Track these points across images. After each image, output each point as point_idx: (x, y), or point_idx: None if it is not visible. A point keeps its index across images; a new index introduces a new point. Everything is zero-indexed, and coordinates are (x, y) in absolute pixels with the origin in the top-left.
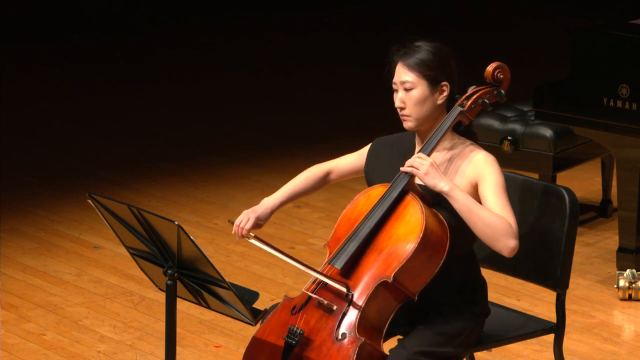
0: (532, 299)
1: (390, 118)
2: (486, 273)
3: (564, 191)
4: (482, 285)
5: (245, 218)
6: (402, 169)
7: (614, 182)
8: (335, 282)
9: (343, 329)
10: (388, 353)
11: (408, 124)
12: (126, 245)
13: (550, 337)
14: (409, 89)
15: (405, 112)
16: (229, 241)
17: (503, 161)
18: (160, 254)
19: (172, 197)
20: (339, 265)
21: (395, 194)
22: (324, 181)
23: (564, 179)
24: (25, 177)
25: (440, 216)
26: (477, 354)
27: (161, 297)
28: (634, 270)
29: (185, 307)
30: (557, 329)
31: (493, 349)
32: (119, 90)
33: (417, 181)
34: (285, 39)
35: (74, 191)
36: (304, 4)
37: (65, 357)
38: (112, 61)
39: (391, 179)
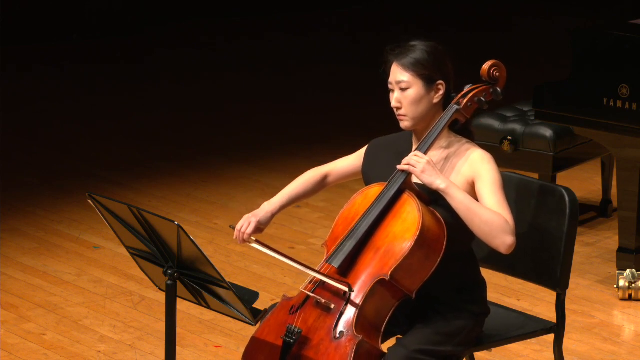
0: (532, 299)
1: (390, 118)
2: (486, 273)
3: (564, 191)
4: (482, 284)
5: (247, 222)
6: (398, 167)
7: (614, 182)
8: (338, 283)
9: (341, 327)
10: (387, 352)
11: (405, 124)
12: (126, 245)
13: (550, 337)
14: (404, 89)
15: (401, 112)
16: (229, 241)
17: (503, 161)
18: (160, 254)
19: (172, 197)
20: (336, 264)
21: (392, 192)
22: (322, 184)
23: (564, 179)
24: (25, 177)
25: (437, 214)
26: (477, 354)
27: (161, 297)
28: (634, 270)
29: (185, 307)
30: (557, 329)
31: (493, 349)
32: (119, 90)
33: (414, 180)
34: (285, 39)
35: (74, 191)
36: (304, 4)
37: (65, 357)
38: (112, 61)
39: (389, 178)
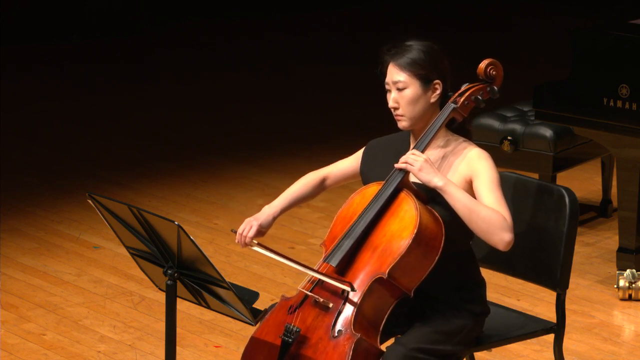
0: (532, 299)
1: (390, 118)
2: (486, 273)
3: (564, 191)
4: (481, 284)
5: (248, 226)
6: (396, 165)
7: (614, 182)
8: (340, 283)
9: (339, 326)
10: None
11: (402, 124)
12: (126, 245)
13: (550, 337)
14: (401, 89)
15: (399, 112)
16: (229, 241)
17: (503, 161)
18: (160, 254)
19: (172, 197)
20: (334, 262)
21: (389, 191)
22: (321, 187)
23: (564, 179)
24: (25, 177)
25: (435, 212)
26: (477, 354)
27: (161, 297)
28: (634, 270)
29: (185, 307)
30: (557, 329)
31: (493, 349)
32: (119, 90)
33: (412, 179)
34: (285, 39)
35: (74, 191)
36: (304, 4)
37: (65, 357)
38: (112, 61)
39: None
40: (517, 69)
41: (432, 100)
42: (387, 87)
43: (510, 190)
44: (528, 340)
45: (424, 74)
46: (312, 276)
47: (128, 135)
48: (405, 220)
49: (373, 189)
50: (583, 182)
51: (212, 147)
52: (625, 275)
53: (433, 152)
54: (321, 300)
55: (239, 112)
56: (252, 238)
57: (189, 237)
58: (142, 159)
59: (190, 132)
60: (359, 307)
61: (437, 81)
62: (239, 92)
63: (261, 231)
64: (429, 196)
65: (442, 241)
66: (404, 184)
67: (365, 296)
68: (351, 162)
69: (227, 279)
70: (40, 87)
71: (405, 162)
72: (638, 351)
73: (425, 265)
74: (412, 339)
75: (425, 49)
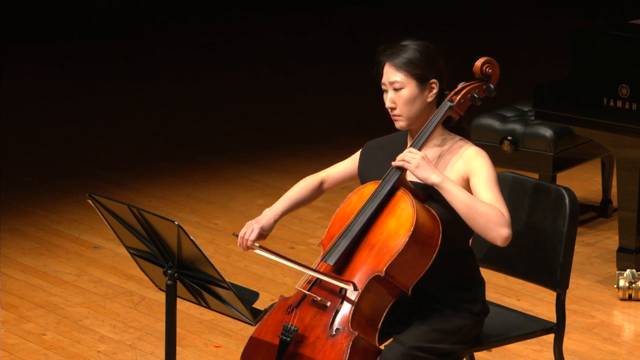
0: (532, 299)
1: (390, 118)
2: (486, 273)
3: (564, 191)
4: (481, 283)
5: (249, 229)
6: (393, 163)
7: (614, 182)
8: (343, 283)
9: (337, 324)
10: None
11: (400, 124)
12: (126, 245)
13: (550, 337)
14: (398, 89)
15: (396, 112)
16: (229, 241)
17: (503, 161)
18: (160, 254)
19: (172, 197)
20: (331, 261)
21: (386, 189)
22: (319, 191)
23: (564, 179)
24: (25, 177)
25: (432, 211)
26: (477, 354)
27: (161, 297)
28: (634, 270)
29: (185, 307)
30: (557, 329)
31: (493, 349)
32: (119, 90)
33: (409, 178)
34: (285, 39)
35: (74, 191)
36: (304, 4)
37: (65, 357)
38: (112, 61)
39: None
40: (517, 69)
41: (429, 99)
42: (383, 87)
43: (509, 190)
44: (528, 340)
45: (420, 73)
46: (310, 275)
47: (128, 135)
48: (402, 218)
49: (370, 188)
50: (583, 182)
51: (212, 147)
52: (625, 275)
53: (429, 151)
54: (319, 299)
55: (239, 112)
56: (254, 241)
57: (189, 237)
58: (142, 159)
59: (190, 132)
60: (356, 306)
61: (433, 80)
62: (239, 92)
63: (263, 234)
64: (427, 194)
65: (440, 239)
66: (400, 183)
67: (362, 294)
68: (349, 164)
69: (227, 279)
70: (40, 87)
71: (403, 160)
72: (638, 351)
73: (422, 263)
74: (411, 337)
75: (421, 49)
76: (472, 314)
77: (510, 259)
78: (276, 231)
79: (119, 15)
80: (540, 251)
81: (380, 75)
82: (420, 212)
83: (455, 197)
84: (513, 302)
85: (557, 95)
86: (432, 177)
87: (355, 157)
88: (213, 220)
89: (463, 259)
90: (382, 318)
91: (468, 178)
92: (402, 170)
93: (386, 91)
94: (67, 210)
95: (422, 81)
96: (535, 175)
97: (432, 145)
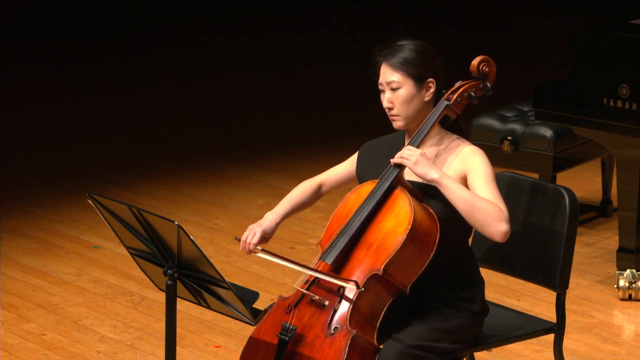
0: (532, 299)
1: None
2: (485, 273)
3: (564, 191)
4: (480, 283)
5: (251, 233)
6: (392, 161)
7: (614, 182)
8: (345, 282)
9: (335, 323)
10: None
11: (398, 124)
12: (126, 245)
13: (550, 337)
14: (395, 89)
15: (393, 112)
16: (229, 241)
17: (503, 161)
18: (160, 254)
19: (172, 197)
20: (329, 260)
21: (383, 188)
22: (317, 194)
23: (564, 179)
24: (25, 177)
25: (430, 209)
26: (477, 354)
27: (161, 297)
28: (634, 270)
29: (185, 307)
30: (557, 329)
31: (493, 349)
32: (119, 90)
33: (407, 177)
34: (285, 39)
35: (74, 191)
36: (304, 4)
37: (65, 357)
38: (112, 61)
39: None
40: (517, 69)
41: (426, 98)
42: (380, 87)
43: (507, 189)
44: (528, 340)
45: (417, 73)
46: (309, 275)
47: (128, 135)
48: (399, 217)
49: (368, 187)
50: (583, 182)
51: (212, 147)
52: (625, 275)
53: (427, 150)
54: (317, 298)
55: (239, 112)
56: (256, 245)
57: (189, 237)
58: (142, 159)
59: (190, 132)
60: (354, 304)
61: (430, 80)
62: (239, 92)
63: (265, 237)
64: (425, 194)
65: (437, 237)
66: (398, 181)
67: (361, 293)
68: (346, 167)
69: (227, 279)
70: (40, 87)
71: (401, 157)
72: (638, 351)
73: (420, 261)
74: (409, 335)
75: (417, 48)
76: (471, 313)
77: (510, 259)
78: (276, 231)
79: (119, 15)
80: (540, 251)
81: (377, 75)
82: (417, 210)
83: (454, 193)
84: (513, 302)
85: (557, 95)
86: (431, 174)
87: (353, 159)
88: (213, 220)
89: (462, 258)
90: (381, 317)
91: (465, 176)
92: (400, 168)
93: (383, 91)
94: (67, 210)
95: (419, 80)
96: (535, 175)
97: (429, 144)
